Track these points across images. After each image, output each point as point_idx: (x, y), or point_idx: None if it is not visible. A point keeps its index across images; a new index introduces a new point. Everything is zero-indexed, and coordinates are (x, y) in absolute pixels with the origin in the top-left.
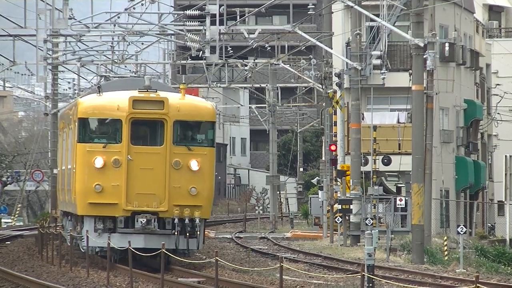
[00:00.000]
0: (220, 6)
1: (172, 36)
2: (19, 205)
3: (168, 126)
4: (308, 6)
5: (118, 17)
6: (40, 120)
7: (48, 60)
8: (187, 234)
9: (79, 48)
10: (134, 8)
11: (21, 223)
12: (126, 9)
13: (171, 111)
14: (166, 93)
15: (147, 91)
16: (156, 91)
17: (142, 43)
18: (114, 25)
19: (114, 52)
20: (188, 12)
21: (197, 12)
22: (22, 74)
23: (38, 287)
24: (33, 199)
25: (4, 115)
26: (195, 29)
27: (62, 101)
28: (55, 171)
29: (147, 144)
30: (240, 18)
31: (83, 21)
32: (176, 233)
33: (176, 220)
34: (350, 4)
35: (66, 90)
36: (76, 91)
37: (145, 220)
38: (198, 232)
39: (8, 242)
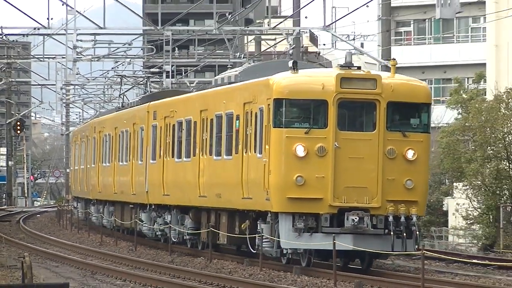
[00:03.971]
0: (172, 66)
1: (142, 85)
2: (45, 192)
3: (381, 108)
4: (227, 66)
5: (108, 73)
6: (58, 138)
7: (63, 100)
8: (405, 234)
9: (83, 92)
10: (118, 67)
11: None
12: (112, 68)
13: (385, 90)
14: (375, 70)
15: (349, 68)
16: (359, 68)
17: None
18: (105, 78)
19: (105, 95)
20: (152, 70)
21: (157, 70)
22: (46, 109)
23: (56, 244)
24: (53, 188)
25: (36, 135)
26: (156, 80)
27: (72, 126)
28: (68, 170)
29: (356, 129)
30: (184, 74)
31: (85, 75)
32: (392, 233)
33: (390, 218)
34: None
35: (75, 119)
36: (81, 119)
37: (357, 218)
38: (417, 232)
39: (39, 215)
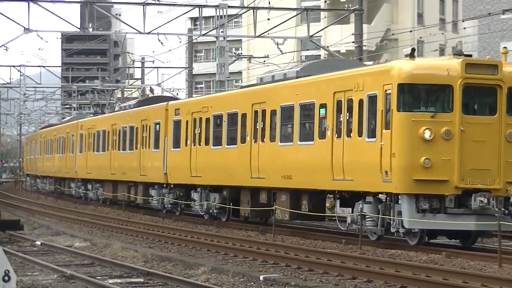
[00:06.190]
0: (77, 104)
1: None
2: (8, 171)
3: (503, 94)
4: (107, 105)
5: (42, 108)
6: (15, 142)
7: (18, 122)
8: None
9: (29, 118)
10: (48, 105)
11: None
12: (44, 105)
13: (505, 76)
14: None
15: (459, 55)
16: (471, 56)
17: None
18: (41, 110)
19: (41, 119)
20: (66, 106)
21: (69, 106)
22: (9, 126)
23: (15, 198)
24: (13, 168)
25: (3, 140)
26: (68, 112)
27: (23, 136)
28: (20, 159)
29: (479, 113)
30: (82, 108)
31: (30, 109)
32: None
33: (511, 199)
34: None
35: (24, 132)
36: (30, 131)
37: (485, 199)
38: None
39: (4, 183)
